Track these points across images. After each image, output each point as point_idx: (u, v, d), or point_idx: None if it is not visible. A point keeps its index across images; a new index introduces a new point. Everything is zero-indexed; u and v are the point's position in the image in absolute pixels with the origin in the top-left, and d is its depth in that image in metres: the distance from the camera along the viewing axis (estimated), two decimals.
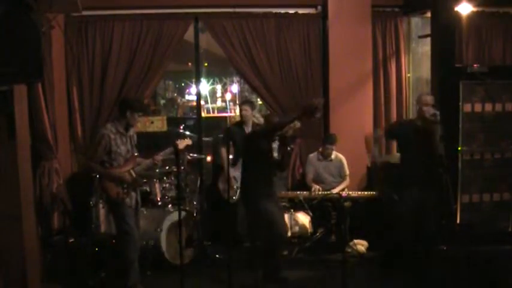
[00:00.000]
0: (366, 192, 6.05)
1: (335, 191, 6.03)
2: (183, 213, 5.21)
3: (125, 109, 4.81)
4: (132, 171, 4.87)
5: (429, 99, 5.19)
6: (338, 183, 6.23)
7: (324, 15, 6.59)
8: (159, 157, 5.09)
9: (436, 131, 5.03)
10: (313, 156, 6.33)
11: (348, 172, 6.28)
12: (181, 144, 5.08)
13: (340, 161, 6.28)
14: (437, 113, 4.99)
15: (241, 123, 6.26)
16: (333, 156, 6.26)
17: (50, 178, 5.88)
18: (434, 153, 5.04)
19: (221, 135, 6.79)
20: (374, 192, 6.00)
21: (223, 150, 5.88)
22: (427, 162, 5.11)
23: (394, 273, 5.23)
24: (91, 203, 5.64)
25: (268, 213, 4.91)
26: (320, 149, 6.27)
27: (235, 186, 6.03)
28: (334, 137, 6.22)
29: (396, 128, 5.67)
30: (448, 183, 5.51)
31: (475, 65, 6.28)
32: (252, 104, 6.43)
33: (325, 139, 6.27)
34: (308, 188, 6.21)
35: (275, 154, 5.09)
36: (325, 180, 6.24)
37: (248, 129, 6.20)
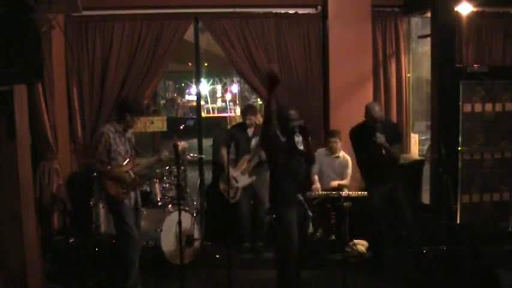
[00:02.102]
0: (365, 192, 6.03)
1: (333, 183, 6.05)
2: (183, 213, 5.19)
3: (124, 112, 4.79)
4: (130, 171, 4.86)
5: (377, 110, 5.31)
6: (338, 181, 6.22)
7: (324, 15, 6.58)
8: (166, 152, 5.08)
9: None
10: (321, 150, 6.33)
11: (350, 172, 6.27)
12: (179, 146, 5.05)
13: (346, 161, 6.26)
14: (383, 138, 5.15)
15: (243, 124, 6.26)
16: (340, 154, 6.25)
17: (50, 178, 5.88)
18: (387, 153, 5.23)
19: (222, 135, 6.76)
20: None
21: (224, 151, 5.88)
22: (383, 159, 5.22)
23: (394, 273, 5.23)
24: (91, 203, 5.64)
25: (287, 222, 4.58)
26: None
27: (235, 187, 6.04)
28: (335, 131, 6.21)
29: (353, 132, 5.59)
30: (448, 183, 5.53)
31: (475, 65, 6.28)
32: (254, 110, 6.40)
33: (327, 134, 6.33)
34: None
35: (300, 147, 4.64)
36: (325, 176, 6.23)
37: (251, 131, 6.20)
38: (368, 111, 5.30)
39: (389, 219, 5.41)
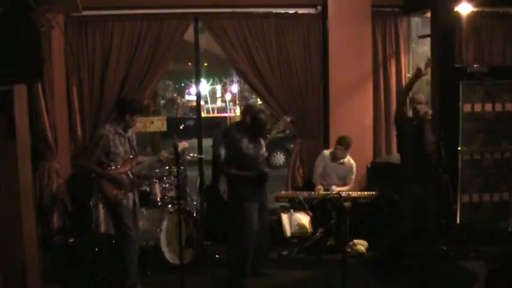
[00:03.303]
0: (366, 192, 6.04)
1: (335, 190, 6.03)
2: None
3: (124, 111, 4.78)
4: (129, 172, 4.86)
5: (422, 97, 5.16)
6: (340, 186, 6.20)
7: (324, 15, 6.59)
8: (165, 154, 5.07)
9: (429, 130, 5.01)
10: (326, 153, 6.29)
11: (353, 178, 6.24)
12: (180, 146, 5.05)
13: (351, 167, 6.21)
14: (430, 111, 5.00)
15: (241, 124, 6.25)
16: (345, 160, 6.20)
17: (50, 178, 5.88)
18: (429, 152, 5.03)
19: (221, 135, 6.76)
20: (374, 192, 5.99)
21: (221, 151, 5.88)
22: (424, 160, 5.08)
23: (394, 273, 5.23)
24: (91, 203, 5.64)
25: (247, 211, 4.99)
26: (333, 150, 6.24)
27: None
28: (345, 139, 6.08)
29: (403, 122, 5.36)
30: (448, 183, 5.52)
31: (475, 65, 6.27)
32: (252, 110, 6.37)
33: (337, 140, 6.18)
34: (310, 187, 6.21)
35: (263, 150, 5.14)
36: (328, 178, 6.22)
37: None
38: (414, 107, 5.10)
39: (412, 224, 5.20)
